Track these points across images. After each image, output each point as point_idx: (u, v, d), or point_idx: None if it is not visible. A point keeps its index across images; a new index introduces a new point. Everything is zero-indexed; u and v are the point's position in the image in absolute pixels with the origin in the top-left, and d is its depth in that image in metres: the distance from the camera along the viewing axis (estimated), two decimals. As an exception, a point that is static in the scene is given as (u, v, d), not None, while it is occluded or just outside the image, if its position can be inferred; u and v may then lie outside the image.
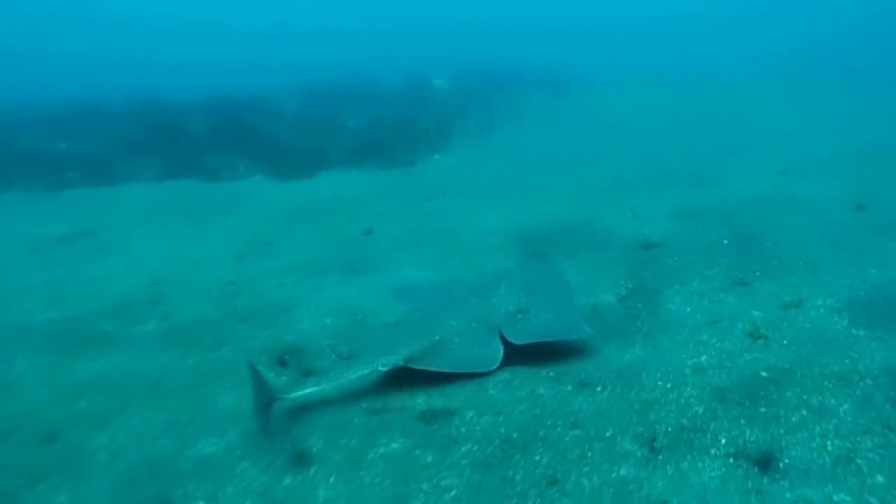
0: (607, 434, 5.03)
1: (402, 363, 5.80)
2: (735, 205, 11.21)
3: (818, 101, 23.21)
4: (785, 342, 6.26)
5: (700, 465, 4.58)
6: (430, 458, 4.95)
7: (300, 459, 5.07)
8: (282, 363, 6.90)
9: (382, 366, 5.72)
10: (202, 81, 36.62)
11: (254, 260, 11.04)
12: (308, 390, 5.56)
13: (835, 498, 4.15)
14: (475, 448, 5.02)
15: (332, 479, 4.84)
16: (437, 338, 6.05)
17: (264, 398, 5.26)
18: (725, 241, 9.11)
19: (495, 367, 5.88)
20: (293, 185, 17.81)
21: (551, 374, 6.03)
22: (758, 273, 8.07)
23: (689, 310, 7.35)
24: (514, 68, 35.36)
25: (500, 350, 6.00)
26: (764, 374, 5.65)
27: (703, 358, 6.10)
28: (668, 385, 5.65)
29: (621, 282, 8.41)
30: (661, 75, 33.92)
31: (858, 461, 4.44)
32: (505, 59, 38.92)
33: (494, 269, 9.31)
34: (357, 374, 5.70)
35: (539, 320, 6.38)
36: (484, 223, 11.95)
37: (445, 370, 5.75)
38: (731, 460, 4.60)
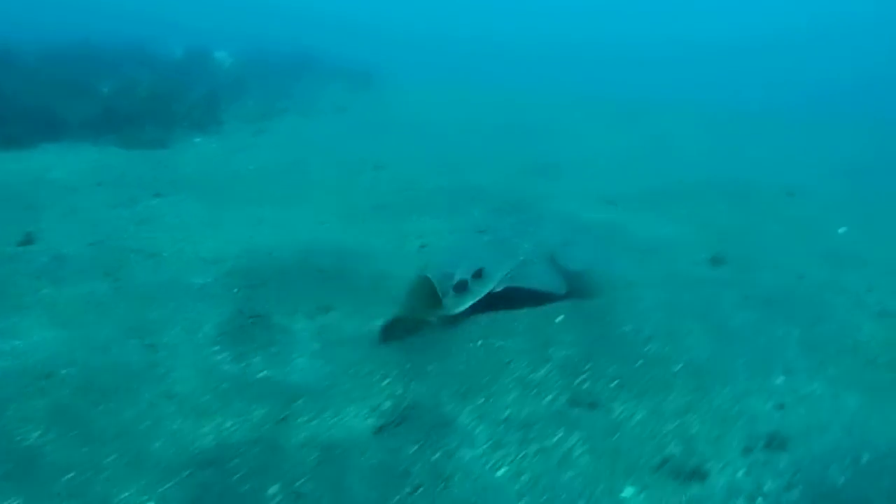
0: None
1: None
2: (558, 245, 8.03)
3: (663, 126, 21.15)
4: None
5: None
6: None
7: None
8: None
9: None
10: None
11: None
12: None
13: None
14: None
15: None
16: None
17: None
18: (560, 318, 5.75)
19: None
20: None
21: None
22: (615, 384, 4.78)
23: (499, 471, 3.91)
24: (312, 53, 31.19)
25: None
26: None
27: None
28: None
29: (387, 382, 4.88)
30: (489, 81, 31.10)
31: None
32: (305, 42, 34.70)
33: (172, 339, 5.47)
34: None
35: None
36: (207, 244, 7.98)
37: None
38: None
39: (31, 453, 4.01)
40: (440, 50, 42.32)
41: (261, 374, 5.04)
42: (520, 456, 4.04)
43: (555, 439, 4.16)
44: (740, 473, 3.95)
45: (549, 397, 4.65)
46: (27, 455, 4.00)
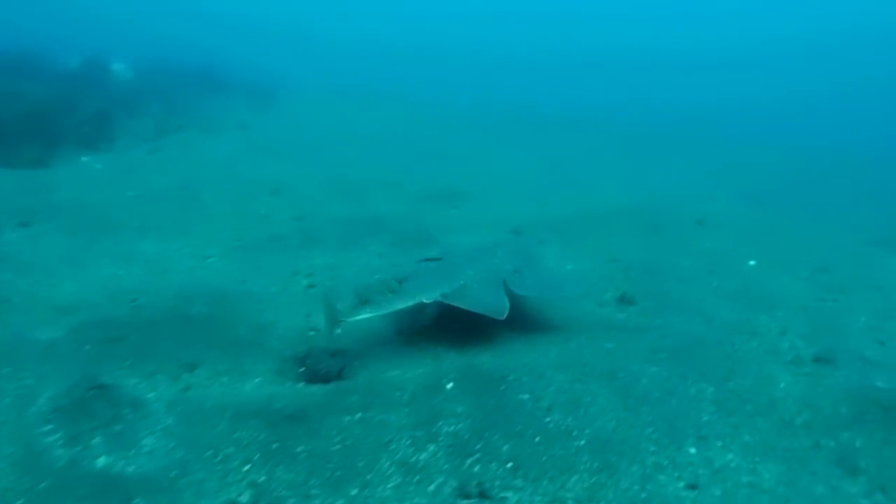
0: None
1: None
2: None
3: (570, 145, 20.89)
4: None
5: None
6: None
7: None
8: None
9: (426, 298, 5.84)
10: None
11: None
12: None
13: None
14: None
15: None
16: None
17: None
18: (451, 385, 5.09)
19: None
20: None
21: None
22: (510, 466, 4.15)
23: None
24: (217, 64, 29.82)
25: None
26: None
27: None
28: None
29: (248, 468, 4.17)
30: (398, 93, 30.32)
31: None
32: (211, 51, 33.26)
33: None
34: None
35: None
36: (65, 287, 7.05)
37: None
38: None
39: None
40: (350, 58, 41.57)
41: (98, 462, 4.24)
42: None
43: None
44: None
45: (434, 486, 4.00)
46: None
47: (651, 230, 10.38)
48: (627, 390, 5.04)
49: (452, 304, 5.81)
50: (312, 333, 6.23)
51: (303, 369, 5.58)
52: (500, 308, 5.70)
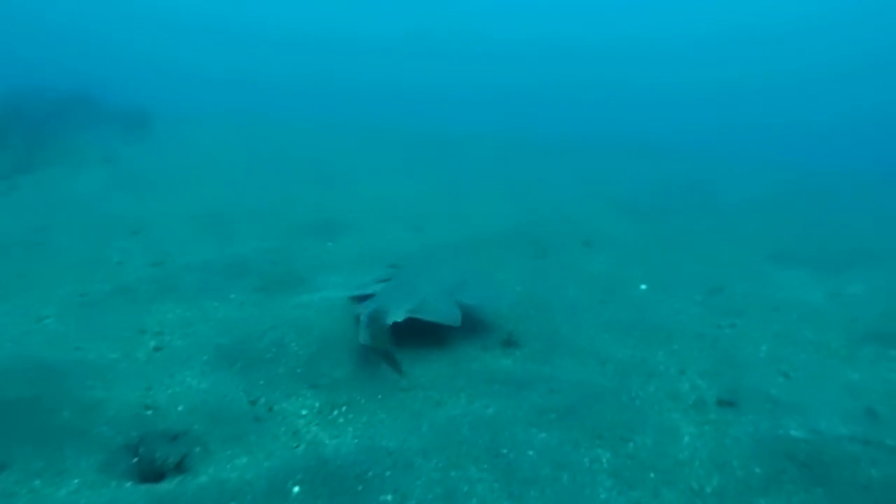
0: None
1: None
2: (322, 340, 6.53)
3: (457, 164, 20.18)
4: None
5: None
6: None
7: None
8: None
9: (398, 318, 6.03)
10: None
11: None
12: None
13: None
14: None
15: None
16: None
17: None
18: (297, 489, 4.12)
19: None
20: None
21: None
22: None
23: None
24: (87, 90, 27.67)
25: None
26: None
27: None
28: None
29: None
30: (280, 114, 28.90)
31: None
32: (85, 79, 30.99)
33: None
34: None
35: None
36: None
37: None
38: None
39: None
40: (237, 81, 40.00)
41: None
42: None
43: None
44: None
45: None
46: None
47: (537, 255, 9.75)
48: (512, 470, 4.24)
49: (418, 317, 6.15)
50: (150, 412, 5.20)
51: (136, 459, 4.57)
52: (455, 317, 6.20)
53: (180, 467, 4.51)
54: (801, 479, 4.32)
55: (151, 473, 4.46)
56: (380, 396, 5.28)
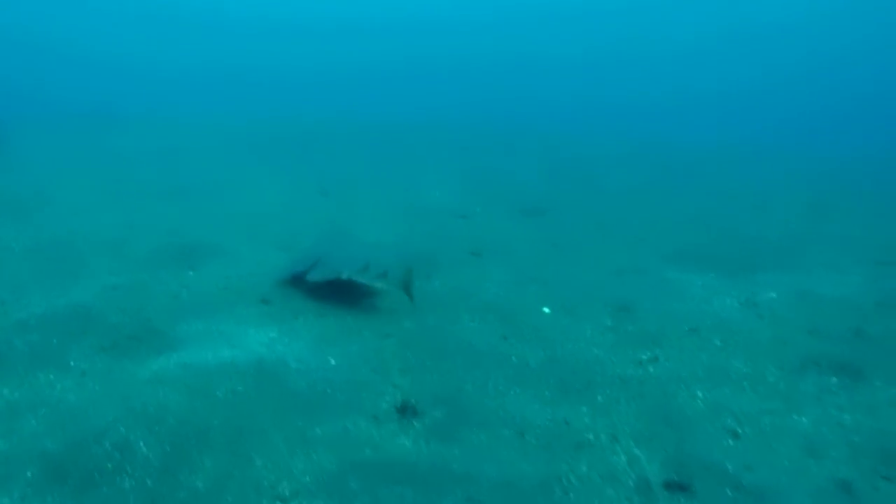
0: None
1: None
2: (180, 435, 5.07)
3: (337, 166, 18.53)
4: None
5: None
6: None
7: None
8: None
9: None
10: None
11: None
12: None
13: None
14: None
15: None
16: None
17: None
18: None
19: None
20: None
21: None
22: None
23: None
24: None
25: None
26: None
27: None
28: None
29: None
30: (168, 119, 25.50)
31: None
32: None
33: None
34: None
35: None
36: None
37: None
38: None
39: None
40: (107, 74, 36.11)
41: None
42: None
43: None
44: None
45: None
46: None
47: (425, 275, 8.57)
48: None
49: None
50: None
51: None
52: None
53: None
54: None
55: None
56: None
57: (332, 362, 6.10)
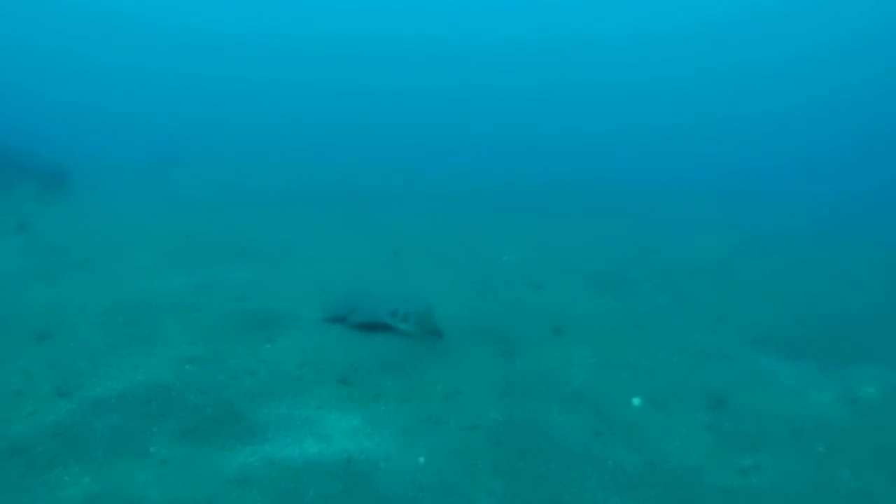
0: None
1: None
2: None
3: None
4: None
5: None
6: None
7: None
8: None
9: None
10: None
11: None
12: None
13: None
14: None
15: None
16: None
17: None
18: None
19: None
20: None
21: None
22: None
23: None
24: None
25: None
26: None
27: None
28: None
29: None
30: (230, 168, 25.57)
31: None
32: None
33: None
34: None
35: None
36: None
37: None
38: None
39: None
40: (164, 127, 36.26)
41: None
42: None
43: None
44: None
45: None
46: None
47: (503, 352, 8.34)
48: None
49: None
50: None
51: None
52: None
53: None
54: None
55: None
56: None
57: (421, 461, 5.87)
